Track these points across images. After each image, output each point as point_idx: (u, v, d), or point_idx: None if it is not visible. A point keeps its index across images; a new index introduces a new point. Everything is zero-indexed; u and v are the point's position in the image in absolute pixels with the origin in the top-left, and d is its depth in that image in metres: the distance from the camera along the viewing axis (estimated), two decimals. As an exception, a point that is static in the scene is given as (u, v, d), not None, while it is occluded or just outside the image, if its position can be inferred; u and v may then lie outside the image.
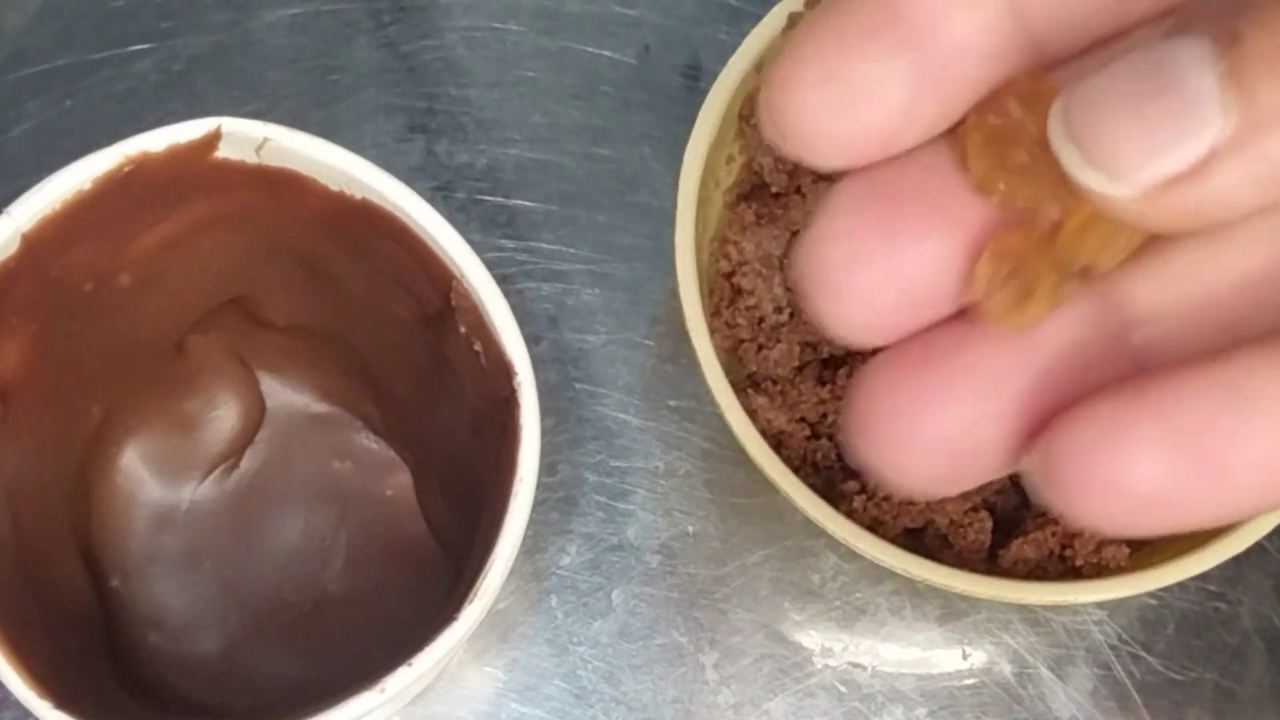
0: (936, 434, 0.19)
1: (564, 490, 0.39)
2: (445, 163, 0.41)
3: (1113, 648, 0.39)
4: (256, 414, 0.38)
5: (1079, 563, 0.35)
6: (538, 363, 0.31)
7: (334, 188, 0.31)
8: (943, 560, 0.34)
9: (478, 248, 0.31)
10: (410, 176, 0.37)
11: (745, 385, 0.36)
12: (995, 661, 0.39)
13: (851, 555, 0.38)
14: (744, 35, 0.36)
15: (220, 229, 0.33)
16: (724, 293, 0.37)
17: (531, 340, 0.33)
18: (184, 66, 0.42)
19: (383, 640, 0.31)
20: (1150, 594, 0.39)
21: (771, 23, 0.36)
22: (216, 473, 0.37)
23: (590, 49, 0.42)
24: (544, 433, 0.30)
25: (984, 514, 0.35)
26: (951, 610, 0.39)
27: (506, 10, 0.43)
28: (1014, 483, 0.36)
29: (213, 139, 0.31)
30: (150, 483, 0.37)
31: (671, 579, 0.39)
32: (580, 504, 0.39)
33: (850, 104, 0.19)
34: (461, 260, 0.31)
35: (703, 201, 0.36)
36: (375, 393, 0.37)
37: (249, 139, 0.31)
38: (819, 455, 0.36)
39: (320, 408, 0.38)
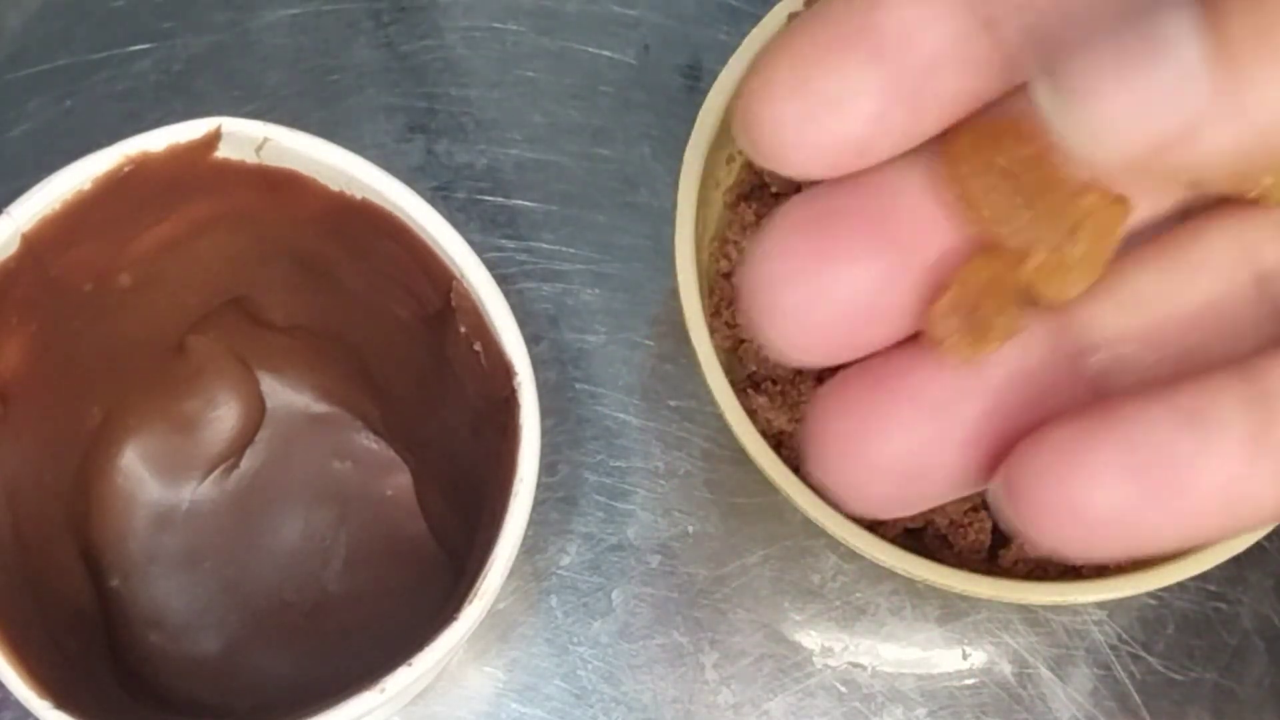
0: (886, 457, 0.19)
1: (564, 490, 0.39)
2: (445, 163, 0.41)
3: (1113, 648, 0.39)
4: (256, 414, 0.38)
5: (1079, 563, 0.35)
6: (538, 363, 0.31)
7: (334, 188, 0.31)
8: (943, 560, 0.34)
9: (478, 248, 0.31)
10: (410, 176, 0.37)
11: (745, 385, 0.36)
12: (995, 661, 0.39)
13: (851, 555, 0.38)
14: (744, 35, 0.36)
15: (220, 229, 0.33)
16: (724, 293, 0.37)
17: (531, 340, 0.33)
18: (184, 66, 0.42)
19: (383, 640, 0.31)
20: (1150, 594, 0.39)
21: (771, 23, 0.36)
22: (216, 473, 0.37)
23: (590, 49, 0.42)
24: (544, 433, 0.30)
25: (984, 514, 0.35)
26: (951, 610, 0.39)
27: (506, 10, 0.43)
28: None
29: (213, 139, 0.31)
30: (150, 483, 0.37)
31: (671, 579, 0.39)
32: (580, 504, 0.39)
33: (822, 114, 0.19)
34: (461, 260, 0.31)
35: (703, 201, 0.36)
36: (375, 393, 0.37)
37: (249, 139, 0.31)
38: (819, 455, 0.36)
39: (320, 408, 0.38)
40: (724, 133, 0.36)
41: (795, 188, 0.37)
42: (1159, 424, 0.18)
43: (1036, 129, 0.19)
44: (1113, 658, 0.39)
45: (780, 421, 0.35)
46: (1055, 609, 0.39)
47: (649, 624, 0.39)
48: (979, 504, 0.36)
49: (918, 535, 0.36)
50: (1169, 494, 0.18)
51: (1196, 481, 0.18)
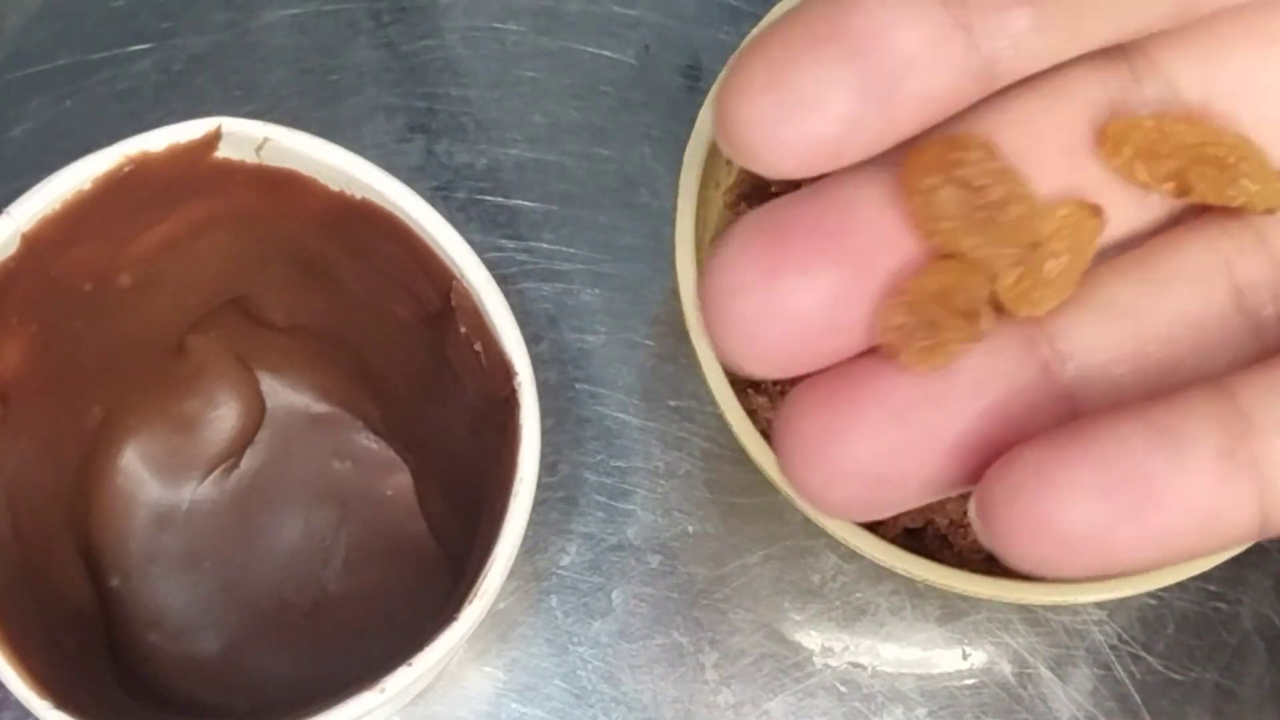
0: (854, 461, 0.19)
1: (564, 490, 0.39)
2: (445, 163, 0.41)
3: (1113, 648, 0.39)
4: (256, 414, 0.38)
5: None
6: (538, 363, 0.31)
7: (334, 188, 0.31)
8: (943, 560, 0.34)
9: (478, 248, 0.31)
10: (410, 176, 0.37)
11: (745, 385, 0.36)
12: (995, 661, 0.39)
13: (851, 555, 0.38)
14: (744, 35, 0.36)
15: (220, 229, 0.33)
16: (724, 293, 0.37)
17: (531, 340, 0.33)
18: (184, 66, 0.42)
19: (383, 640, 0.31)
20: (1150, 594, 0.39)
21: (771, 22, 0.36)
22: (216, 473, 0.37)
23: (590, 49, 0.42)
24: (544, 433, 0.30)
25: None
26: (951, 610, 0.39)
27: (506, 10, 0.43)
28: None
29: (213, 139, 0.31)
30: (150, 483, 0.37)
31: (671, 579, 0.39)
32: (580, 504, 0.39)
33: (794, 113, 0.19)
34: (461, 260, 0.31)
35: (703, 201, 0.36)
36: (375, 393, 0.37)
37: (249, 139, 0.31)
38: (819, 455, 0.36)
39: (320, 408, 0.38)
40: (724, 133, 0.36)
41: (795, 187, 0.37)
42: (1131, 441, 0.18)
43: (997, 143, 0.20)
44: (1113, 658, 0.39)
45: (780, 421, 0.35)
46: (1055, 609, 0.39)
47: (649, 624, 0.39)
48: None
49: (918, 535, 0.36)
50: (1142, 512, 0.18)
51: (1169, 499, 0.18)
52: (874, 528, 0.34)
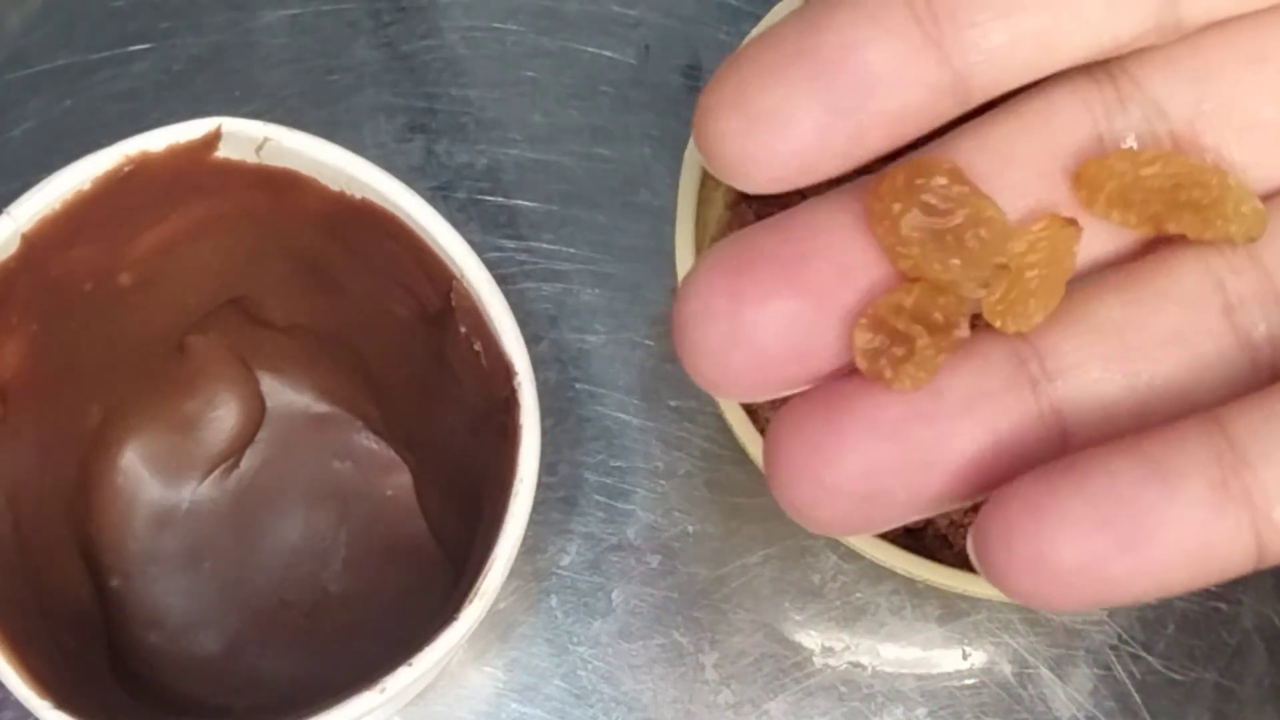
0: (840, 479, 0.19)
1: (564, 490, 0.39)
2: (445, 163, 0.41)
3: (1113, 648, 0.39)
4: (256, 414, 0.38)
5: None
6: (538, 363, 0.31)
7: (334, 188, 0.31)
8: (943, 560, 0.34)
9: (478, 248, 0.31)
10: (410, 176, 0.37)
11: (745, 385, 0.36)
12: (995, 661, 0.39)
13: (851, 555, 0.38)
14: (744, 35, 0.36)
15: (220, 229, 0.33)
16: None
17: (531, 340, 0.33)
18: (184, 66, 0.42)
19: (383, 640, 0.31)
20: (1150, 594, 0.39)
21: (771, 23, 0.36)
22: (216, 473, 0.37)
23: (590, 49, 0.42)
24: (544, 433, 0.30)
25: (984, 514, 0.35)
26: (951, 610, 0.39)
27: (506, 10, 0.43)
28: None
29: (213, 139, 0.31)
30: (150, 483, 0.37)
31: (671, 579, 0.39)
32: (580, 504, 0.39)
33: (764, 129, 0.19)
34: (461, 260, 0.31)
35: (703, 201, 0.36)
36: (375, 393, 0.37)
37: (249, 139, 0.31)
38: (819, 455, 0.36)
39: (320, 408, 0.38)
40: (724, 133, 0.36)
41: (797, 191, 0.37)
42: (1123, 475, 0.18)
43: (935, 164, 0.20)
44: (1113, 658, 0.39)
45: (780, 421, 0.35)
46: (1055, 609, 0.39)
47: (649, 624, 0.39)
48: (979, 504, 0.36)
49: (918, 535, 0.36)
50: (1135, 544, 0.18)
51: (1162, 532, 0.18)
52: (874, 528, 0.34)
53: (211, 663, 0.36)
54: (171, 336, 0.36)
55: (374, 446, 0.38)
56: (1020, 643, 0.39)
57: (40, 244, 0.30)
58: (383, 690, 0.28)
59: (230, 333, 0.36)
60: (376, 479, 0.37)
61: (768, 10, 0.36)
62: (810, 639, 0.39)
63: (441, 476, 0.36)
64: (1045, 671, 0.39)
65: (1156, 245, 0.21)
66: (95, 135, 0.31)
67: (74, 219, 0.30)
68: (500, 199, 0.41)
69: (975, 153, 0.20)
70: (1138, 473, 0.18)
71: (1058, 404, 0.20)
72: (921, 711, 0.38)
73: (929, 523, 0.35)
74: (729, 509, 0.39)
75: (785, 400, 0.20)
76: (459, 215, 0.41)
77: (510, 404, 0.30)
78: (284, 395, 0.38)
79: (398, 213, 0.31)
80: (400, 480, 0.37)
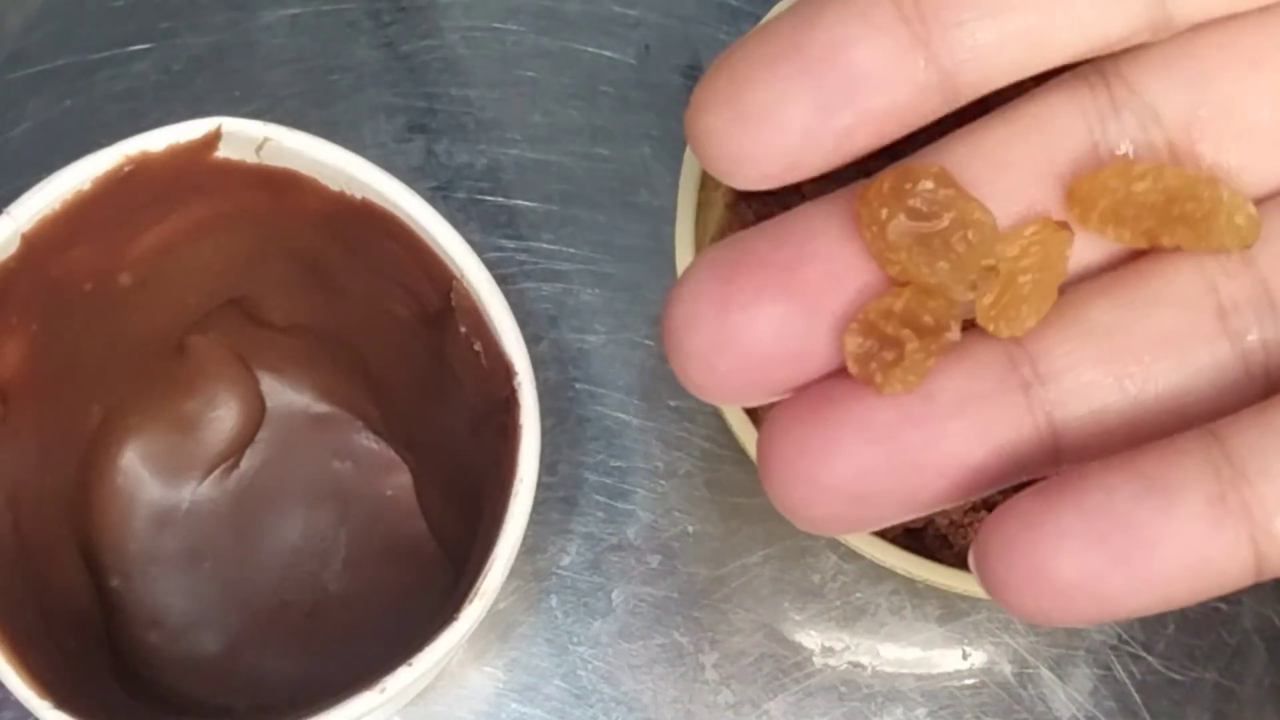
0: (832, 479, 0.20)
1: (564, 490, 0.39)
2: (445, 163, 0.41)
3: (1113, 648, 0.39)
4: (256, 414, 0.38)
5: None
6: (538, 363, 0.31)
7: (334, 188, 0.31)
8: (943, 560, 0.34)
9: (478, 248, 0.31)
10: (410, 176, 0.37)
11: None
12: (995, 661, 0.39)
13: (851, 555, 0.38)
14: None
15: (220, 229, 0.33)
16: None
17: (531, 340, 0.33)
18: (184, 66, 0.42)
19: (383, 640, 0.31)
20: (1150, 594, 0.39)
21: (771, 23, 0.36)
22: (216, 473, 0.37)
23: (590, 49, 0.42)
24: (544, 433, 0.30)
25: (984, 514, 0.35)
26: (951, 610, 0.39)
27: (506, 10, 0.43)
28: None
29: (213, 139, 0.31)
30: (150, 483, 0.37)
31: (671, 579, 0.39)
32: (580, 504, 0.39)
33: (751, 125, 0.19)
34: (461, 260, 0.31)
35: (703, 202, 0.36)
36: (375, 393, 0.37)
37: (249, 139, 0.31)
38: (819, 455, 0.36)
39: (320, 408, 0.38)
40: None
41: (796, 188, 0.37)
42: (1121, 490, 0.18)
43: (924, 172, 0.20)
44: (1113, 658, 0.39)
45: (780, 421, 0.35)
46: (1055, 609, 0.39)
47: (649, 624, 0.39)
48: (979, 504, 0.36)
49: (918, 535, 0.36)
50: (1133, 559, 0.18)
51: (1160, 546, 0.18)
52: (874, 528, 0.34)
53: (212, 663, 0.36)
54: (171, 336, 0.36)
55: (374, 446, 0.38)
56: (1020, 643, 0.39)
57: (40, 244, 0.30)
58: (383, 690, 0.28)
59: (230, 333, 0.36)
60: (376, 479, 0.37)
61: (767, 10, 0.36)
62: (810, 639, 0.39)
63: (441, 476, 0.36)
64: (1045, 671, 0.39)
65: (1149, 250, 0.21)
66: (95, 135, 0.31)
67: (74, 219, 0.30)
68: (500, 199, 0.41)
69: (969, 158, 0.20)
70: (1135, 488, 0.18)
71: (1050, 407, 0.20)
72: (921, 711, 0.38)
73: (929, 523, 0.35)
74: (729, 509, 0.39)
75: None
76: (459, 215, 0.41)
77: (510, 404, 0.30)
78: (284, 395, 0.38)
79: (398, 213, 0.31)
80: (400, 480, 0.37)
